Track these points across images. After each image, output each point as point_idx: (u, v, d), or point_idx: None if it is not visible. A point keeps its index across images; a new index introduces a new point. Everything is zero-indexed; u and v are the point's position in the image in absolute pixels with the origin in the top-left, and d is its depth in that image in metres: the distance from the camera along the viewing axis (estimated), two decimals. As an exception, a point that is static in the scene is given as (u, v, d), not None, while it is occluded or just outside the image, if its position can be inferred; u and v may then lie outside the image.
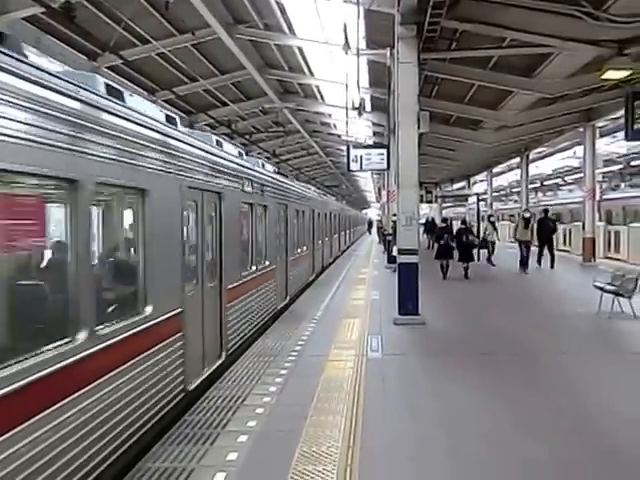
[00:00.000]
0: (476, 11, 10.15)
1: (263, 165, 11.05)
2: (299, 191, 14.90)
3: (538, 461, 4.28)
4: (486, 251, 19.45)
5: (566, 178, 38.30)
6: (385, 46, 12.76)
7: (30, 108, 3.38)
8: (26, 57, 3.67)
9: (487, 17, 10.24)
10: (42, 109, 3.48)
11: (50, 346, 3.53)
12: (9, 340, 3.40)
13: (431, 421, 5.13)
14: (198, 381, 6.10)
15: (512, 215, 22.27)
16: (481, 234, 20.38)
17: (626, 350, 7.87)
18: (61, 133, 3.66)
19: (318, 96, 21.15)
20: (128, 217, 5.26)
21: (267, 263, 10.03)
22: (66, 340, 3.70)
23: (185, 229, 5.88)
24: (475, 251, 16.30)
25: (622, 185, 29.88)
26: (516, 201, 37.96)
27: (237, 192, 7.88)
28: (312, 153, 33.37)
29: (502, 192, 48.53)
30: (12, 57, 3.33)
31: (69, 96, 3.83)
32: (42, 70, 3.64)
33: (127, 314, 4.64)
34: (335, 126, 26.12)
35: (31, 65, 3.54)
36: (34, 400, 3.33)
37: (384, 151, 13.38)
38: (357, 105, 16.24)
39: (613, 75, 11.92)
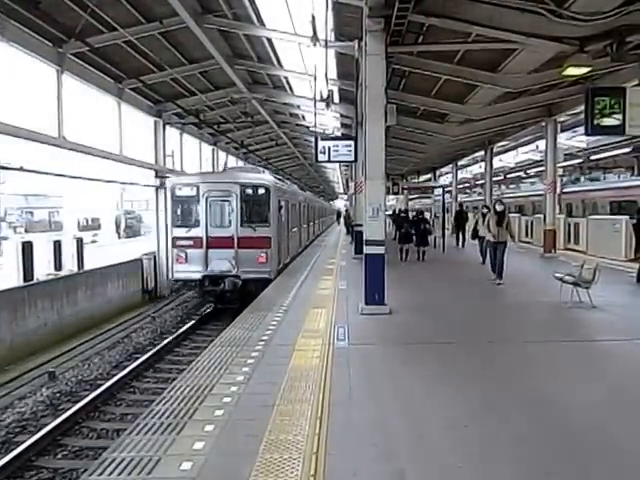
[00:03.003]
0: (443, 6, 10.22)
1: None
2: None
3: (494, 444, 4.46)
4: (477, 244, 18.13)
5: (528, 171, 39.07)
6: (353, 38, 12.79)
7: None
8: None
9: (453, 12, 10.34)
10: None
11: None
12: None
13: (395, 409, 5.23)
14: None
15: (476, 207, 22.48)
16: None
17: (584, 338, 8.13)
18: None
19: (287, 87, 21.04)
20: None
21: None
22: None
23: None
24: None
25: (582, 179, 30.55)
26: (480, 193, 38.59)
27: None
28: (280, 144, 33.20)
29: (467, 184, 49.23)
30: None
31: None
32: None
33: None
34: (303, 117, 26.03)
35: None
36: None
37: (352, 143, 13.34)
38: (325, 97, 16.27)
39: (574, 71, 12.20)
